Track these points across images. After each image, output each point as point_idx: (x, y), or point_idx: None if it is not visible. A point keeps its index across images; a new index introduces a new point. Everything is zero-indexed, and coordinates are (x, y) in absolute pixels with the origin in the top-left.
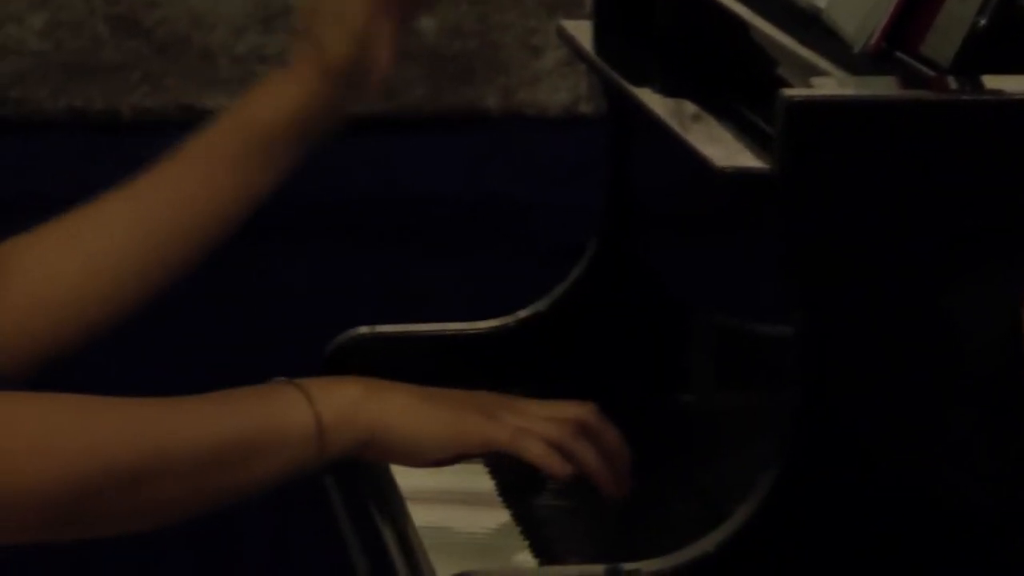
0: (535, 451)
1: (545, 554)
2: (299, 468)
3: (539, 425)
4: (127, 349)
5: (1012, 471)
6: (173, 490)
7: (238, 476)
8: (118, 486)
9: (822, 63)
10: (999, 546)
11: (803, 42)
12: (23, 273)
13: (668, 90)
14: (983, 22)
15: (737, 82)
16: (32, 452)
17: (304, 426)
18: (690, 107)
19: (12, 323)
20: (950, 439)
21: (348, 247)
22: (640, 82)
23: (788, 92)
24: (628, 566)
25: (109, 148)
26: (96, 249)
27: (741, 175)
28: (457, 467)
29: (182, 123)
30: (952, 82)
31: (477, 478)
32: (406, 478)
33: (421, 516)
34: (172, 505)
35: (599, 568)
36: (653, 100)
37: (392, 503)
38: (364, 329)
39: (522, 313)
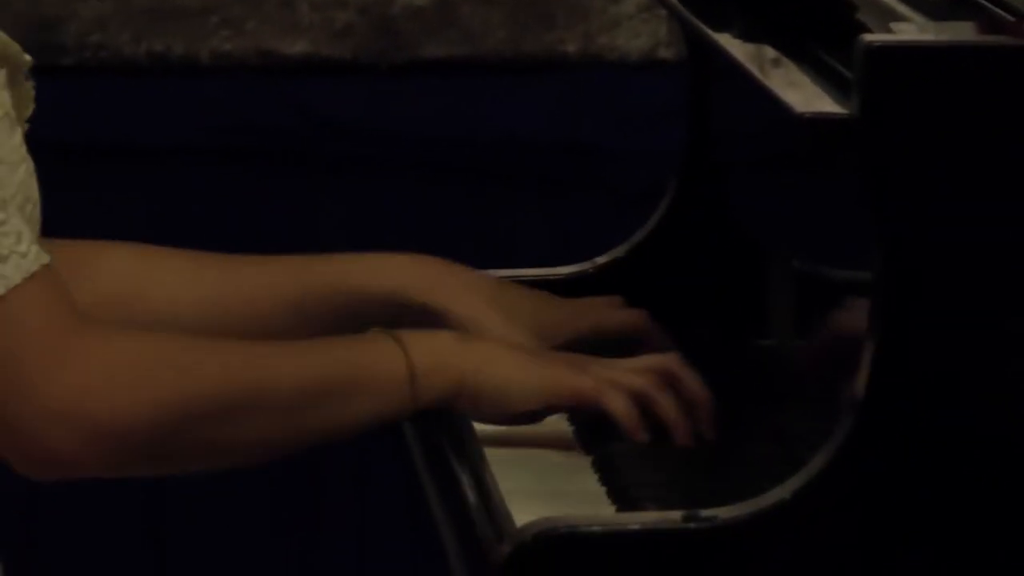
0: (620, 406)
1: (622, 500)
2: (392, 413)
3: (625, 376)
4: None
5: None
6: (268, 426)
7: (331, 417)
8: (215, 419)
9: (901, 8)
10: None
11: None
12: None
13: (747, 35)
14: None
15: (816, 27)
16: (131, 385)
17: (397, 372)
18: (769, 52)
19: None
20: None
21: (428, 189)
22: (719, 27)
23: (868, 37)
24: (705, 512)
25: (188, 93)
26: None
27: (820, 120)
28: None
29: (261, 69)
30: None
31: (555, 424)
32: (484, 425)
33: (498, 463)
34: (266, 441)
35: (676, 514)
36: (732, 45)
37: (470, 450)
38: None
39: (600, 259)
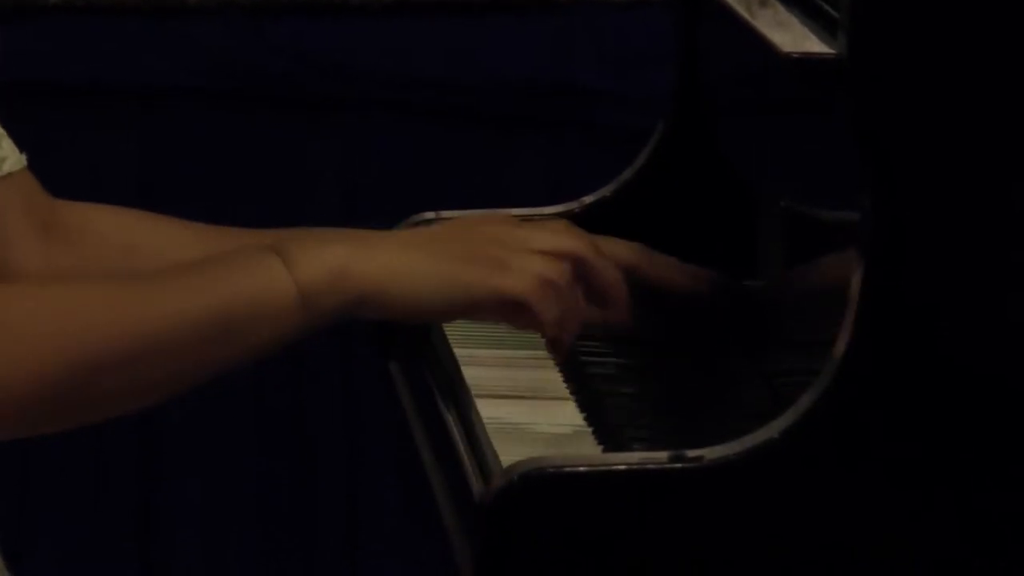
0: (549, 315)
1: (609, 441)
2: (286, 335)
3: (549, 269)
4: None
5: None
6: (162, 368)
7: (224, 350)
8: (105, 369)
9: None
10: None
11: None
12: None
13: None
14: None
15: None
16: (19, 342)
17: (284, 294)
18: None
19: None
20: (1021, 319)
21: (417, 131)
22: None
23: None
24: (692, 452)
25: (177, 34)
26: None
27: (808, 61)
28: (523, 356)
29: (250, 9)
30: None
31: (544, 370)
32: (472, 369)
33: (486, 406)
34: (157, 383)
35: (663, 455)
36: None
37: (457, 392)
38: (428, 214)
39: (587, 198)
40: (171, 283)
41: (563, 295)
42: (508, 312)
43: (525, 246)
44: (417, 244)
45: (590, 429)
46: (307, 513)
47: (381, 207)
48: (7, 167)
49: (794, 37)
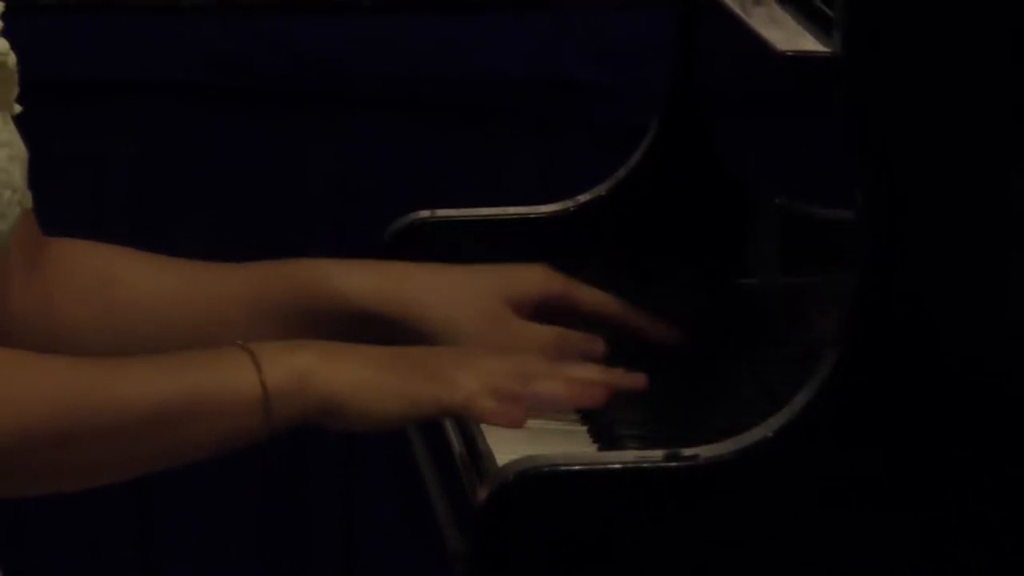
0: (488, 411)
1: (604, 440)
2: (244, 435)
3: (497, 381)
4: (190, 228)
5: None
6: (104, 452)
7: (175, 441)
8: (45, 445)
9: None
10: None
11: None
12: (100, 275)
13: None
14: None
15: None
16: None
17: (249, 393)
18: None
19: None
20: (1015, 316)
21: (411, 128)
22: None
23: None
24: (687, 451)
25: (171, 31)
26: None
27: (802, 59)
28: None
29: (244, 6)
30: None
31: None
32: None
33: None
34: (103, 467)
35: (658, 453)
36: None
37: None
38: (424, 213)
39: (582, 197)
40: (130, 365)
41: (513, 396)
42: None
43: (481, 364)
44: (377, 360)
45: (585, 428)
46: (303, 512)
47: (377, 205)
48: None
49: (789, 35)
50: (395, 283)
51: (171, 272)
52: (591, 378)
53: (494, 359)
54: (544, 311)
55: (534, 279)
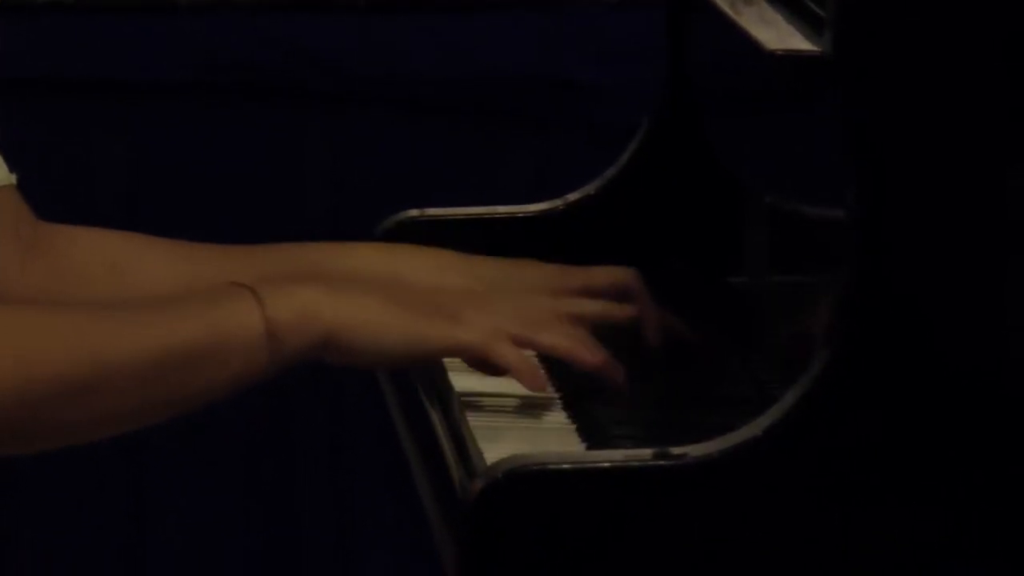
0: (509, 357)
1: (594, 439)
2: (249, 373)
3: (506, 323)
4: (184, 224)
5: None
6: (116, 400)
7: (185, 384)
8: (59, 397)
9: None
10: None
11: None
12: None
13: None
14: None
15: None
16: None
17: (252, 330)
18: None
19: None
20: (1008, 319)
21: (407, 126)
22: None
23: None
24: (676, 450)
25: (169, 29)
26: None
27: (793, 58)
28: None
29: (241, 5)
30: None
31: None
32: (457, 368)
33: (471, 403)
34: (117, 415)
35: (647, 452)
36: None
37: (442, 391)
38: (414, 212)
39: (572, 196)
40: (138, 313)
41: (530, 339)
42: (469, 360)
43: (494, 307)
44: (383, 296)
45: (574, 427)
46: (294, 514)
47: (370, 202)
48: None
49: (779, 34)
50: (398, 263)
51: (180, 258)
52: (592, 340)
53: (506, 302)
54: None
55: (549, 276)
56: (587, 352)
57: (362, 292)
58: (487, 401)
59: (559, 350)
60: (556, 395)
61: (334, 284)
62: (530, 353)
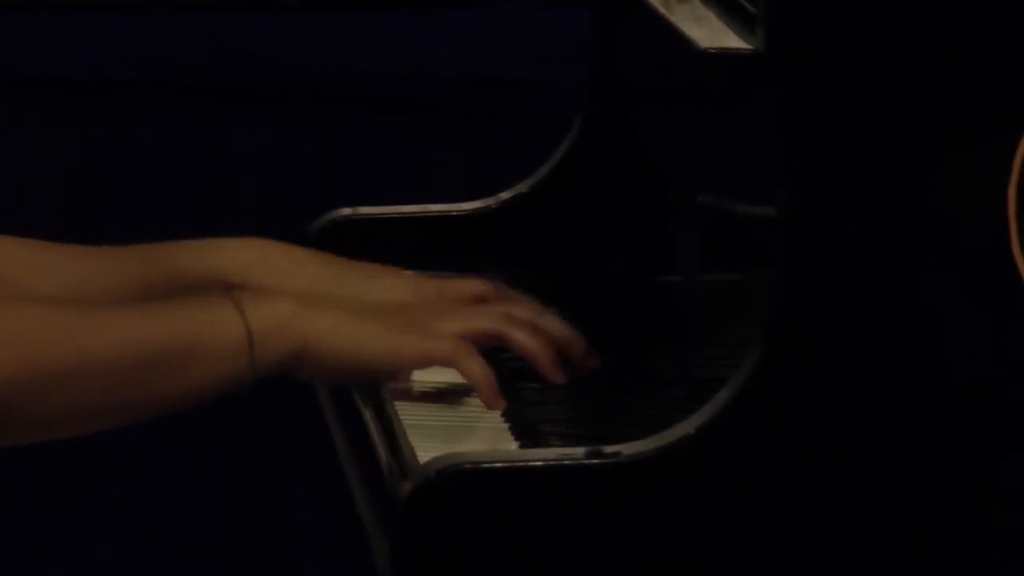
0: (475, 371)
1: (527, 438)
2: (229, 379)
3: (476, 323)
4: (121, 221)
5: (996, 343)
6: (97, 397)
7: (164, 384)
8: (40, 391)
9: None
10: (984, 419)
11: None
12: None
13: None
14: None
15: None
16: None
17: (234, 337)
18: None
19: None
20: (935, 315)
21: (340, 122)
22: None
23: None
24: (608, 448)
25: (109, 28)
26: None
27: (725, 56)
28: None
29: (178, 4)
30: None
31: None
32: None
33: (403, 404)
34: (97, 412)
35: (579, 451)
36: None
37: (375, 390)
38: (346, 211)
39: (504, 195)
40: (119, 311)
41: (502, 333)
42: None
43: (460, 317)
44: (359, 310)
45: (507, 426)
46: (228, 511)
47: (303, 200)
48: None
49: (712, 32)
50: (267, 259)
51: (71, 265)
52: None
53: (474, 308)
54: None
55: (405, 287)
56: (549, 362)
57: (335, 306)
58: (420, 395)
59: (528, 351)
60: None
61: (307, 296)
62: None
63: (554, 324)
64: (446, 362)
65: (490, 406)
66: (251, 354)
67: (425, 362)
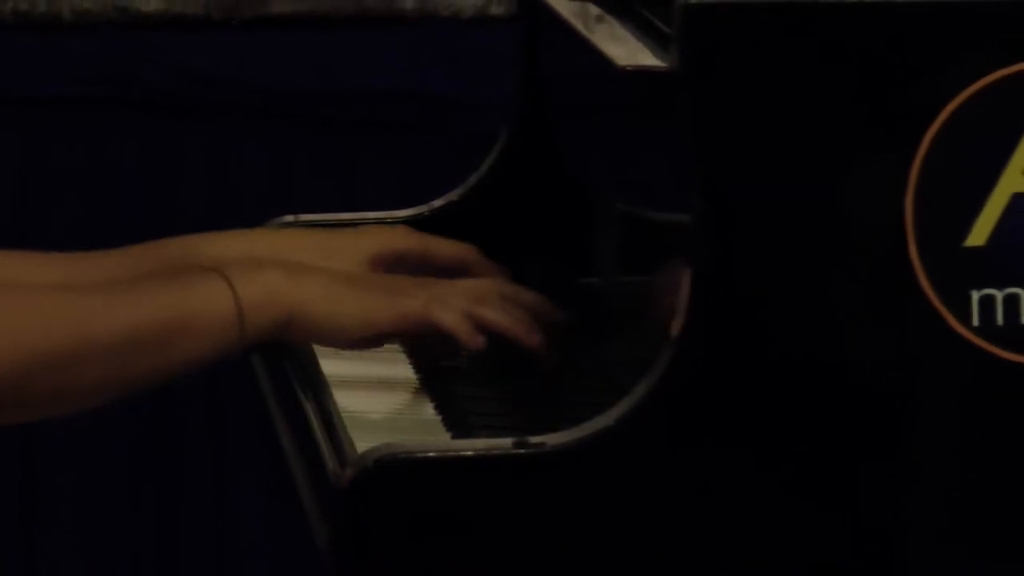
0: (449, 320)
1: (458, 429)
2: (222, 350)
3: (452, 297)
4: (71, 232)
5: (897, 343)
6: (96, 374)
7: (161, 358)
8: (41, 372)
9: None
10: (887, 412)
11: None
12: None
13: None
14: None
15: None
16: None
17: (225, 309)
18: (594, 9)
19: None
20: (839, 316)
21: (279, 136)
22: None
23: None
24: (534, 439)
25: (53, 47)
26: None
27: (641, 73)
28: (379, 353)
29: (120, 24)
30: None
31: (398, 364)
32: (329, 362)
33: (343, 398)
34: (96, 388)
35: (507, 441)
36: (559, 3)
37: (316, 384)
38: (289, 217)
39: (436, 202)
40: (116, 293)
41: (475, 313)
42: (419, 331)
43: (440, 286)
44: (342, 277)
45: (440, 418)
46: (173, 500)
47: (247, 209)
48: None
49: (629, 51)
50: (260, 247)
51: (52, 268)
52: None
53: (449, 283)
54: (401, 268)
55: (392, 237)
56: (525, 331)
57: (320, 273)
58: (357, 389)
59: (501, 326)
60: (423, 387)
61: (292, 266)
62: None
63: (523, 293)
64: (420, 317)
65: (471, 346)
66: (241, 325)
67: (399, 320)
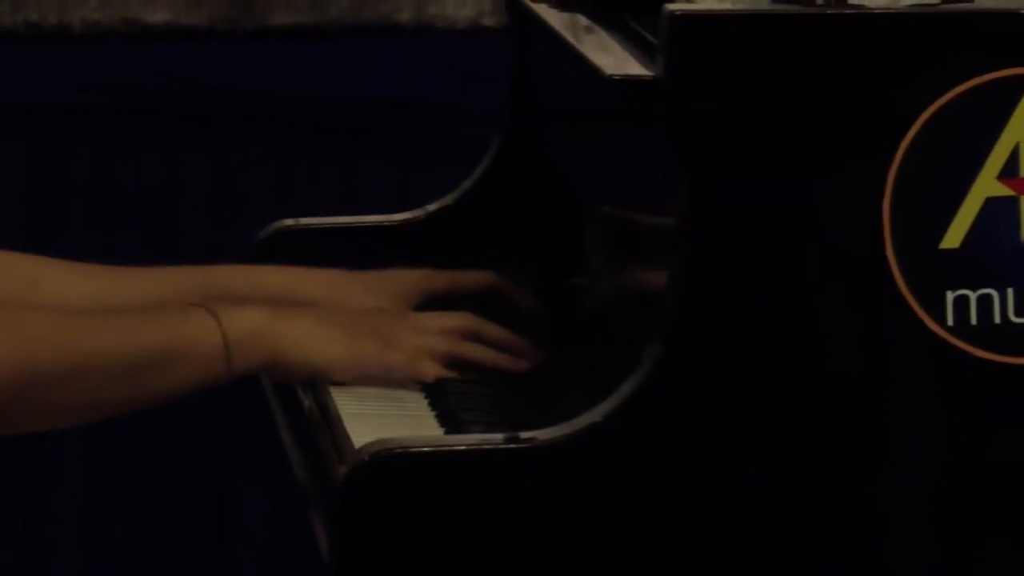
0: (430, 374)
1: (452, 425)
2: (208, 380)
3: (431, 341)
4: (75, 240)
5: (876, 343)
6: (92, 392)
7: (152, 383)
8: (42, 388)
9: None
10: (866, 409)
11: None
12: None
13: (562, 4)
14: None
15: None
16: None
17: (212, 344)
18: (582, 20)
19: None
20: (821, 316)
21: (280, 144)
22: None
23: (671, 7)
24: (525, 434)
25: (63, 57)
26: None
27: (628, 82)
28: None
29: (127, 35)
30: None
31: None
32: None
33: (340, 393)
34: (92, 406)
35: (499, 436)
36: (549, 14)
37: (315, 384)
38: (289, 221)
39: (431, 207)
40: (112, 320)
41: (457, 353)
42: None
43: (419, 325)
44: (324, 319)
45: (434, 414)
46: (175, 497)
47: (247, 213)
48: None
49: (616, 60)
50: (299, 285)
51: (91, 278)
52: (512, 345)
53: (432, 318)
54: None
55: (420, 279)
56: (509, 363)
57: (305, 316)
58: (357, 390)
59: (485, 362)
60: (420, 391)
61: (277, 309)
62: None
63: (497, 331)
64: (402, 372)
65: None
66: (228, 358)
67: (383, 370)
